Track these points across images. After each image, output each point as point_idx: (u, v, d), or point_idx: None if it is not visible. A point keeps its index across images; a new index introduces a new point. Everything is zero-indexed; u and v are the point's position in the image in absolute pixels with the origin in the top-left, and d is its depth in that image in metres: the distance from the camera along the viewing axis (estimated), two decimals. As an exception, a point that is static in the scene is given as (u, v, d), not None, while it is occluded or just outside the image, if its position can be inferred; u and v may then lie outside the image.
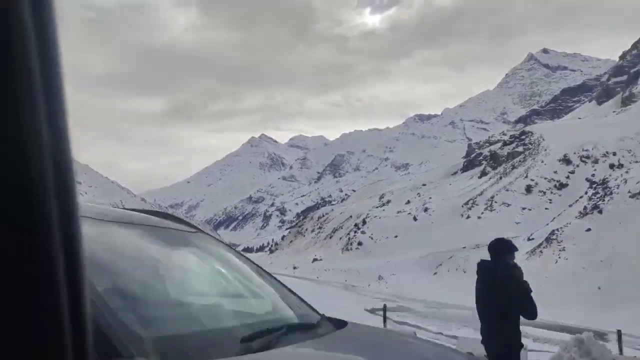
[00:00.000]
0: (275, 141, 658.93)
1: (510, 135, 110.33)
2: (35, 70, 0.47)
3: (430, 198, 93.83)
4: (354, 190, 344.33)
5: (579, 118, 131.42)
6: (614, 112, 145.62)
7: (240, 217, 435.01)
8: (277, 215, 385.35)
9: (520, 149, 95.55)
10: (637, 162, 73.25)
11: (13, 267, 0.46)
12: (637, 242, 46.36)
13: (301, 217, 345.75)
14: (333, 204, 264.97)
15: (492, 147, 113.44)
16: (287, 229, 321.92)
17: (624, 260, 45.14)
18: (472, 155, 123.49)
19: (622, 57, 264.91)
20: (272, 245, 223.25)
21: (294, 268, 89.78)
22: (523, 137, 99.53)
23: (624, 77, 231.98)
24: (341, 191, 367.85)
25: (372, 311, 35.01)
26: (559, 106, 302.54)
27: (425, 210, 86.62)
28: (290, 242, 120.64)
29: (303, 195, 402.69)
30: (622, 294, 40.93)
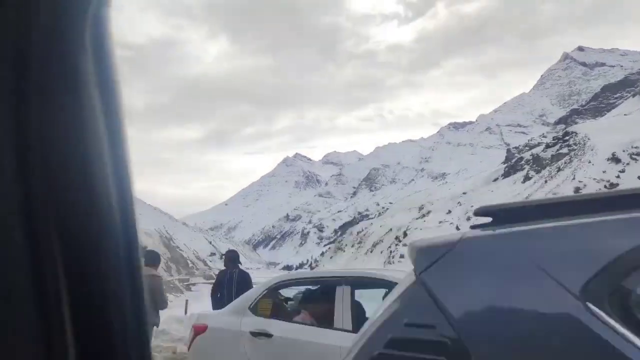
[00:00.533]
0: (310, 159, 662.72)
1: (553, 137, 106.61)
2: (98, 111, 0.49)
3: (472, 206, 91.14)
4: (390, 203, 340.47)
5: (625, 114, 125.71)
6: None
7: (279, 236, 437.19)
8: (315, 232, 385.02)
9: (565, 150, 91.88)
10: (694, 156, 69.01)
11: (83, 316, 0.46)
12: None
13: (339, 233, 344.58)
14: (371, 218, 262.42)
15: (534, 151, 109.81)
16: (325, 245, 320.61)
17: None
18: (513, 160, 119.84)
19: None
20: (311, 262, 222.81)
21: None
22: (567, 137, 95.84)
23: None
24: (378, 204, 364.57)
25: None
26: (600, 104, 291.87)
27: (468, 219, 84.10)
28: (331, 258, 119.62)
29: (340, 211, 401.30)
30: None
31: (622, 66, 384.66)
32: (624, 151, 77.99)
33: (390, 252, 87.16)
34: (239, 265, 7.18)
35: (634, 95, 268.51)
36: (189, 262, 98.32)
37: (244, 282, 6.68)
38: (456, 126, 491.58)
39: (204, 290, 61.80)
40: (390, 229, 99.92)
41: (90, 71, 0.49)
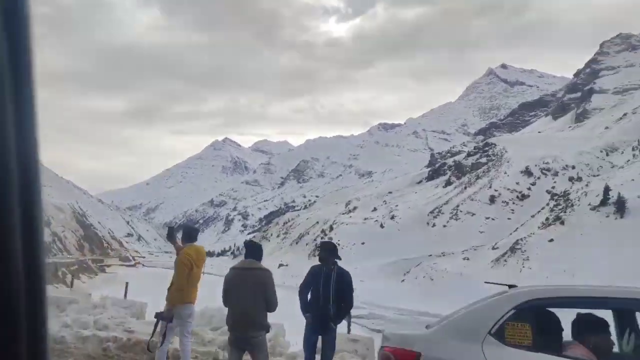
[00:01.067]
0: (239, 145, 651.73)
1: (474, 147, 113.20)
2: (5, 68, 0.45)
3: (396, 206, 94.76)
4: (317, 196, 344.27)
5: (539, 132, 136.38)
6: (569, 127, 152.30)
7: (201, 221, 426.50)
8: (239, 220, 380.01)
9: (484, 159, 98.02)
10: (595, 175, 76.54)
11: None
12: (598, 252, 48.15)
13: (264, 222, 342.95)
14: (297, 210, 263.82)
15: (456, 158, 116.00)
16: (248, 233, 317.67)
17: (586, 270, 46.69)
18: (437, 165, 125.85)
19: (577, 74, 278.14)
20: (234, 250, 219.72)
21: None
22: (487, 148, 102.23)
23: (578, 94, 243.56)
24: (304, 197, 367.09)
25: (357, 318, 34.66)
26: (516, 120, 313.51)
27: (392, 217, 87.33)
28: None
29: (266, 200, 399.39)
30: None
31: (538, 87, 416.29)
32: (536, 165, 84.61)
33: (316, 244, 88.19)
34: (337, 261, 5.71)
35: (546, 115, 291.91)
36: (104, 241, 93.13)
37: (345, 282, 5.55)
38: (385, 127, 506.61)
39: (120, 272, 58.87)
40: (317, 222, 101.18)
41: (2, 53, 0.46)
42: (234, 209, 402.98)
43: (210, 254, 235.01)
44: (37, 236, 0.48)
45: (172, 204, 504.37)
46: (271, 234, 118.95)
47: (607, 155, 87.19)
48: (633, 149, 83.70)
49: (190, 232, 5.81)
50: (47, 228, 57.43)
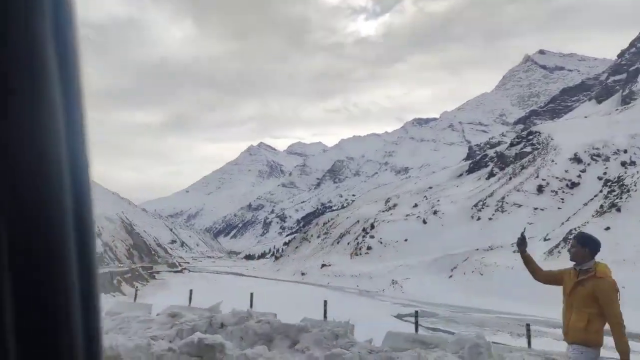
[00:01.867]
0: (274, 149, 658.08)
1: (517, 136, 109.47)
2: (56, 85, 0.47)
3: (438, 201, 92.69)
4: (353, 195, 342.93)
5: (585, 117, 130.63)
6: (616, 109, 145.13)
7: (240, 225, 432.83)
8: (277, 222, 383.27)
9: (529, 149, 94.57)
10: (650, 159, 72.42)
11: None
12: (661, 239, 45.31)
13: (301, 223, 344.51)
14: (334, 209, 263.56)
15: (498, 148, 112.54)
16: (287, 235, 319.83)
17: (648, 259, 44.04)
18: (477, 157, 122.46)
19: (621, 55, 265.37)
20: (274, 252, 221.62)
21: (302, 274, 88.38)
22: (530, 137, 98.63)
23: (623, 76, 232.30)
24: (341, 196, 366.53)
25: (399, 317, 33.78)
26: (558, 106, 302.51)
27: (435, 213, 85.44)
28: (296, 248, 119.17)
29: (303, 202, 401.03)
30: (650, 293, 39.80)
31: (579, 71, 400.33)
32: (585, 152, 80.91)
33: (357, 243, 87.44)
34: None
35: (589, 99, 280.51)
36: (151, 249, 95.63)
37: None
38: (420, 122, 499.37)
39: (169, 279, 60.06)
40: (358, 221, 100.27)
41: (52, 57, 0.47)
42: (272, 211, 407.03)
43: (250, 257, 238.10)
44: (90, 247, 0.49)
45: (212, 209, 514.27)
46: (311, 235, 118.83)
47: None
48: (691, 129, 78.80)
49: (596, 244, 4.49)
50: (99, 238, 59.25)
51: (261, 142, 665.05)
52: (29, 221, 0.45)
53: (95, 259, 0.53)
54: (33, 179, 0.46)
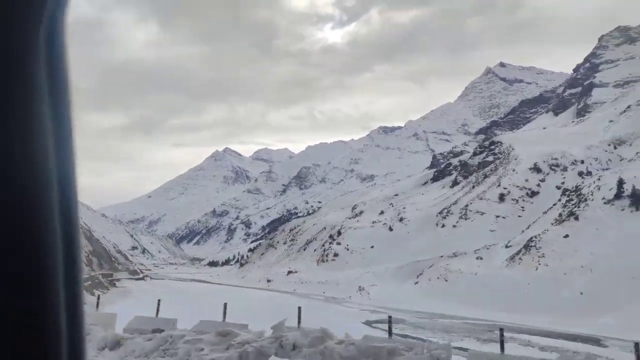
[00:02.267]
0: (240, 154, 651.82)
1: (480, 145, 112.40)
2: (44, 90, 0.48)
3: (404, 208, 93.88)
4: (319, 202, 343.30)
5: (544, 128, 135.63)
6: (572, 122, 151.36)
7: (204, 231, 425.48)
8: (242, 228, 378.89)
9: (491, 158, 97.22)
10: (605, 169, 75.65)
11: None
12: (616, 247, 47.23)
13: (267, 230, 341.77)
14: (300, 216, 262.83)
15: (462, 157, 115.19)
16: (252, 241, 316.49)
17: (604, 266, 45.78)
18: (442, 166, 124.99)
19: (576, 69, 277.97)
20: (238, 259, 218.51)
21: (268, 281, 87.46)
22: (493, 147, 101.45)
23: (578, 89, 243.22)
24: (307, 203, 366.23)
25: (368, 324, 33.74)
26: (517, 117, 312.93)
27: (401, 220, 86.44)
28: (262, 254, 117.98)
29: (268, 208, 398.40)
30: (605, 299, 41.33)
31: (537, 84, 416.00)
32: (544, 162, 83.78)
33: (324, 250, 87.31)
34: None
35: (547, 112, 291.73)
36: (111, 256, 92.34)
37: None
38: (386, 130, 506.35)
39: (130, 287, 58.06)
40: (324, 228, 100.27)
41: (42, 74, 0.48)
42: (237, 217, 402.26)
43: (214, 264, 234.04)
44: (76, 253, 0.50)
45: (175, 215, 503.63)
46: (277, 241, 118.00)
47: (615, 148, 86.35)
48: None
49: None
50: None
51: (227, 148, 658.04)
52: (17, 222, 0.45)
53: (82, 262, 0.53)
54: (21, 182, 0.46)
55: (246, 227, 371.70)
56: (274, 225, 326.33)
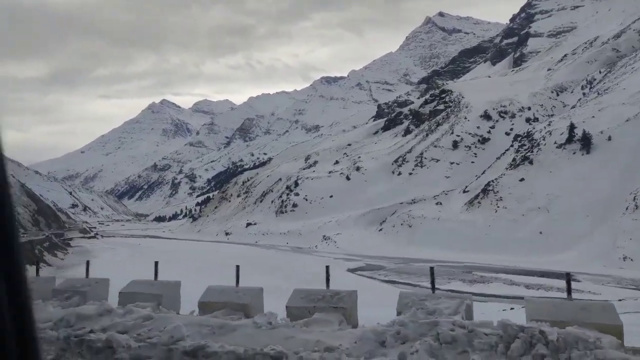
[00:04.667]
0: (179, 107, 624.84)
1: (431, 94, 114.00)
2: None
3: (359, 157, 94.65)
4: (265, 154, 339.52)
5: (489, 76, 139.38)
6: (512, 70, 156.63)
7: (146, 186, 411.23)
8: (187, 182, 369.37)
9: (442, 106, 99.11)
10: (550, 115, 79.44)
11: None
12: (569, 188, 50.34)
13: (212, 183, 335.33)
14: (246, 168, 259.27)
15: (412, 106, 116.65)
16: (198, 195, 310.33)
17: (559, 206, 48.84)
18: (393, 115, 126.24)
19: (512, 19, 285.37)
20: (186, 213, 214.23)
21: (227, 234, 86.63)
22: (443, 95, 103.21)
23: (515, 39, 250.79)
24: (252, 155, 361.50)
25: (352, 271, 34.15)
26: (457, 67, 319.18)
27: (357, 169, 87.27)
28: (215, 208, 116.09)
29: (213, 161, 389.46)
30: (563, 237, 44.37)
31: (474, 34, 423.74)
32: (493, 109, 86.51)
33: (282, 201, 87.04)
34: None
35: (485, 61, 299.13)
36: (58, 214, 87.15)
37: None
38: (328, 80, 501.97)
39: (87, 246, 55.16)
40: (280, 179, 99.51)
41: None
42: (180, 171, 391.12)
43: (161, 219, 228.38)
44: (9, 214, 0.46)
45: (112, 171, 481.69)
46: (231, 194, 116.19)
47: (558, 95, 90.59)
48: (582, 88, 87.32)
49: None
50: None
51: (164, 99, 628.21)
52: None
53: (17, 228, 0.47)
54: None
55: (191, 181, 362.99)
56: (219, 179, 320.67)
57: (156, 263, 11.69)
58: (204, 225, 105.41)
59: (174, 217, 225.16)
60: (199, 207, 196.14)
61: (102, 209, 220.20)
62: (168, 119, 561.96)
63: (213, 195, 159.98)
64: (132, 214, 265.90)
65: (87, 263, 12.06)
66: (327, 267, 9.39)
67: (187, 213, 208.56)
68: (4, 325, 0.45)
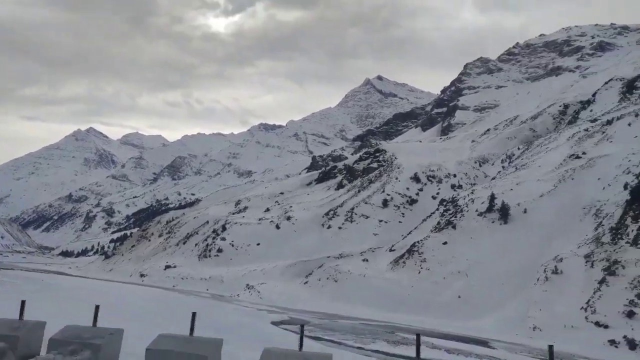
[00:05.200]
0: (106, 137, 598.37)
1: (366, 152, 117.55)
2: None
3: (290, 207, 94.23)
4: (192, 194, 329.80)
5: (420, 141, 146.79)
6: (440, 138, 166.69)
7: (56, 217, 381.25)
8: (103, 217, 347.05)
9: (375, 165, 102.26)
10: (472, 184, 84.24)
11: None
12: (488, 255, 52.65)
13: (131, 220, 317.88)
14: (171, 207, 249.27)
15: (347, 162, 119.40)
16: (113, 231, 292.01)
17: (478, 272, 50.69)
18: (325, 168, 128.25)
19: (444, 91, 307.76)
20: (98, 250, 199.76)
21: (142, 276, 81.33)
22: (377, 154, 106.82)
23: (444, 109, 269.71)
24: (179, 194, 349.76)
25: (275, 324, 32.64)
26: (390, 129, 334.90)
27: (288, 219, 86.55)
28: (132, 247, 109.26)
29: (135, 197, 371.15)
30: (480, 303, 45.74)
31: (408, 100, 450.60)
32: (423, 172, 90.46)
33: (207, 245, 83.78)
34: None
35: (416, 127, 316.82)
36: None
37: None
38: (266, 127, 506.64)
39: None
40: (207, 221, 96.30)
41: None
42: (97, 204, 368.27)
43: (68, 254, 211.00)
44: None
45: (21, 197, 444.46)
46: (152, 233, 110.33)
47: (481, 165, 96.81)
48: (502, 161, 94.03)
49: None
50: None
51: (91, 127, 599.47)
52: None
53: None
54: None
55: (108, 216, 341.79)
56: (140, 215, 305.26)
57: (97, 307, 9.69)
58: (117, 265, 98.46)
59: (84, 252, 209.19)
60: (113, 244, 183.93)
61: (2, 237, 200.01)
62: (93, 148, 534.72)
63: (131, 233, 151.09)
64: (35, 246, 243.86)
65: (23, 303, 9.76)
66: (194, 314, 8.83)
67: (99, 250, 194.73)
68: None
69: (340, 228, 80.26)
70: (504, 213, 57.28)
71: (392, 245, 66.24)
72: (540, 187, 61.20)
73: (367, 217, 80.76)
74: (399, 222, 79.10)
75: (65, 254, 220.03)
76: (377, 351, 25.36)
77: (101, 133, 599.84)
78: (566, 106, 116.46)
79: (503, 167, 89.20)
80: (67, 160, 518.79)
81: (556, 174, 64.00)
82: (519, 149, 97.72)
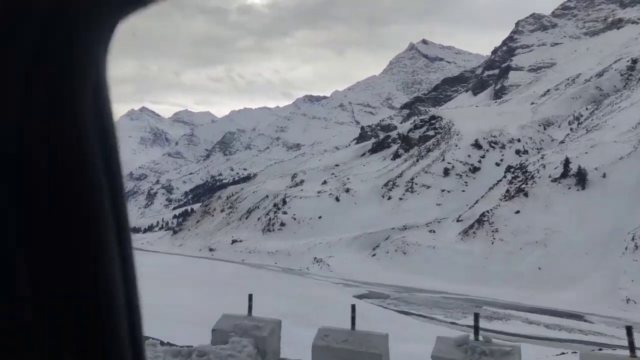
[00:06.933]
0: (158, 115, 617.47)
1: (421, 119, 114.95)
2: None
3: (348, 179, 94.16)
4: (245, 169, 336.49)
5: (476, 106, 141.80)
6: (495, 101, 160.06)
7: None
8: (163, 194, 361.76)
9: (431, 132, 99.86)
10: (539, 148, 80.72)
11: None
12: (566, 224, 50.61)
13: (190, 196, 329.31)
14: (225, 182, 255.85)
15: (401, 130, 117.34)
16: (174, 207, 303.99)
17: (557, 242, 48.90)
18: (381, 137, 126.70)
19: (494, 52, 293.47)
20: (163, 225, 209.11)
21: (211, 250, 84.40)
22: (433, 121, 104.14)
23: (496, 71, 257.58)
24: (232, 169, 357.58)
25: (361, 298, 33.00)
26: (439, 95, 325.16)
27: (347, 191, 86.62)
28: (197, 222, 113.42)
29: (191, 173, 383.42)
30: (562, 274, 44.23)
31: (456, 63, 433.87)
32: (484, 139, 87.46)
33: (269, 219, 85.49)
34: None
35: (466, 91, 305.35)
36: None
37: None
38: (311, 99, 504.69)
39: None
40: (267, 196, 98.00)
41: (90, 113, 0.49)
42: (157, 182, 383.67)
43: (136, 230, 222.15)
44: (129, 258, 0.52)
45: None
46: (214, 209, 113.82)
47: (545, 129, 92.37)
48: (569, 123, 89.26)
49: None
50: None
51: (143, 107, 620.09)
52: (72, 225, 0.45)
53: (132, 259, 0.51)
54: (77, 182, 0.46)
55: (168, 193, 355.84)
56: (197, 192, 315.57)
57: (250, 296, 9.28)
58: (185, 240, 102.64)
59: (150, 228, 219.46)
60: (176, 219, 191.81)
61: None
62: (147, 127, 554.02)
63: (193, 209, 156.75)
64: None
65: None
66: (353, 306, 8.01)
67: (164, 225, 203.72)
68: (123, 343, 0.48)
69: (400, 199, 79.52)
70: (581, 178, 54.60)
71: (459, 216, 65.01)
72: (618, 149, 57.73)
73: (428, 187, 79.45)
74: (462, 191, 77.31)
75: (134, 230, 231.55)
76: (470, 326, 25.18)
77: (153, 112, 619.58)
78: (634, 61, 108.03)
79: (571, 129, 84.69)
80: (125, 140, 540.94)
81: (635, 135, 60.11)
82: (586, 109, 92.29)
